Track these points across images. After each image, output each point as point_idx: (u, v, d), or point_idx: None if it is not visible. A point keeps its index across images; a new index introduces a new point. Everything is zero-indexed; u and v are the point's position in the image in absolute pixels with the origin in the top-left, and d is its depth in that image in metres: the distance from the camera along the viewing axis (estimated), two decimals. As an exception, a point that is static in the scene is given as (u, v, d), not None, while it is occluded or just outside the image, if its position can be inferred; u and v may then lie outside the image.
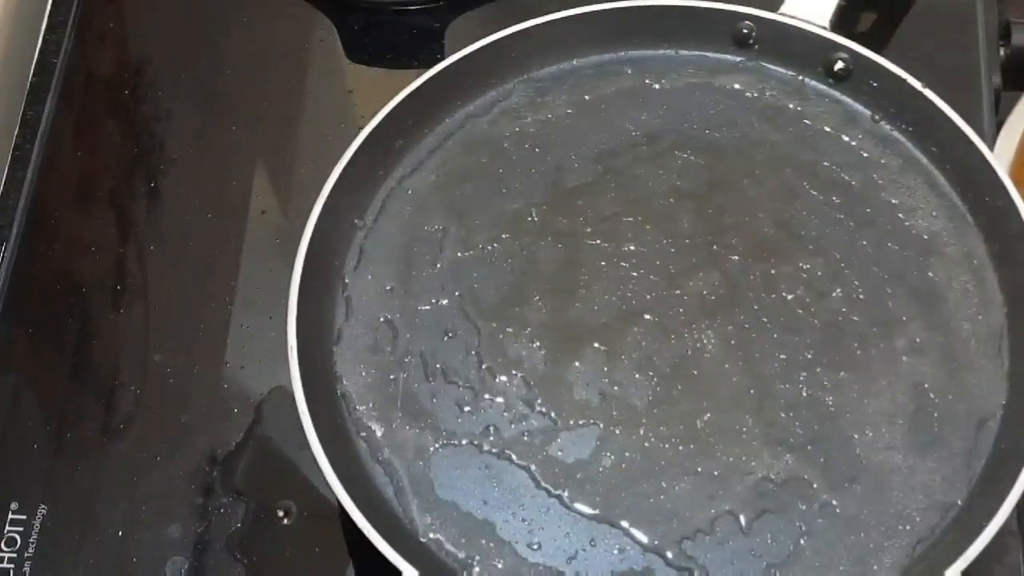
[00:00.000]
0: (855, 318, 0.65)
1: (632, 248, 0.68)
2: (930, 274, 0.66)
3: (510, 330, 0.66)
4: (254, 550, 0.63)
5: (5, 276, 0.72)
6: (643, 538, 0.60)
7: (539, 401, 0.64)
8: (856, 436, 0.62)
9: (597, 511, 0.61)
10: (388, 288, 0.68)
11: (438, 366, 0.65)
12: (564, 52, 0.74)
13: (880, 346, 0.64)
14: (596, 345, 0.65)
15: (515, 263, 0.68)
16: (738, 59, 0.74)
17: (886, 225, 0.68)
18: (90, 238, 0.74)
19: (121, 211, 0.75)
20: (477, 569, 0.60)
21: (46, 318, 0.71)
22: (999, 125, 0.73)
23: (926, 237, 0.67)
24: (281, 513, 0.64)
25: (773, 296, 0.66)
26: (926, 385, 0.63)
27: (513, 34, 0.72)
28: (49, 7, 0.82)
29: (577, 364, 0.65)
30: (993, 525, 0.56)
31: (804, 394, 0.63)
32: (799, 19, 0.71)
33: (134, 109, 0.79)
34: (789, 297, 0.66)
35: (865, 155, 0.70)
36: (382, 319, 0.67)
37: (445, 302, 0.67)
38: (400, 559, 0.57)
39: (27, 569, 0.63)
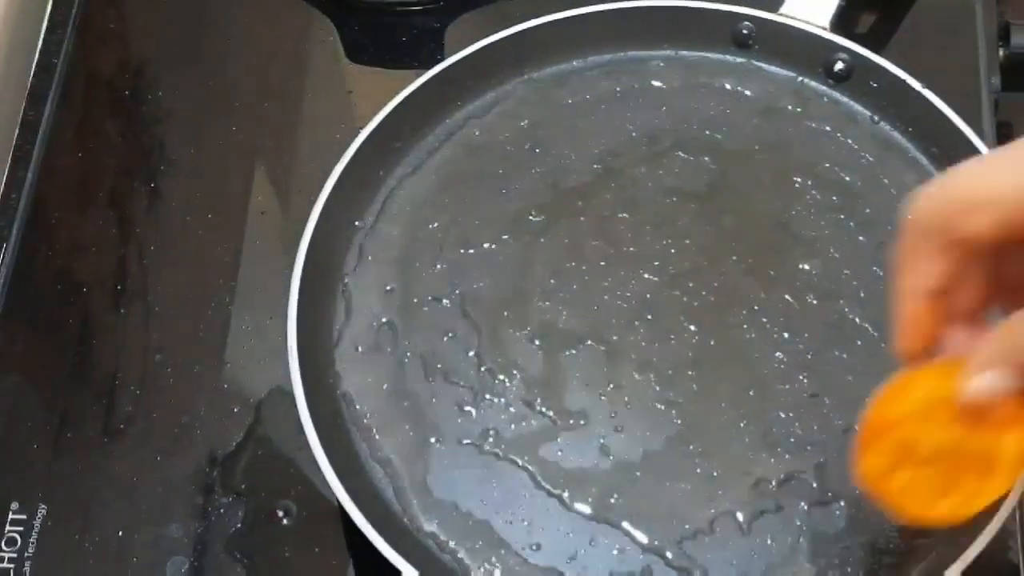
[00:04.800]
0: (855, 319, 0.65)
1: (632, 249, 0.68)
2: (930, 274, 0.66)
3: (510, 330, 0.66)
4: (254, 550, 0.63)
5: (5, 276, 0.72)
6: (643, 538, 0.60)
7: (539, 401, 0.64)
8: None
9: (597, 511, 0.61)
10: (388, 288, 0.68)
11: (438, 366, 0.65)
12: (564, 52, 0.74)
13: (881, 347, 0.64)
14: (596, 345, 0.65)
15: (515, 263, 0.68)
16: (738, 59, 0.74)
17: (886, 225, 0.68)
18: (90, 238, 0.74)
19: (121, 211, 0.75)
20: (476, 569, 0.60)
21: (46, 318, 0.71)
22: (998, 126, 0.73)
23: (926, 237, 0.67)
24: (281, 513, 0.64)
25: (773, 296, 0.66)
26: (926, 385, 0.63)
27: (513, 34, 0.72)
28: (50, 7, 0.82)
29: (577, 365, 0.65)
30: (993, 525, 0.56)
31: (804, 395, 0.63)
32: (799, 19, 0.71)
33: (134, 110, 0.79)
34: (789, 297, 0.66)
35: (865, 155, 0.70)
36: (382, 319, 0.67)
37: (445, 302, 0.67)
38: (400, 559, 0.57)
39: (27, 569, 0.63)
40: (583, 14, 0.73)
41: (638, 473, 0.62)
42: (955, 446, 0.51)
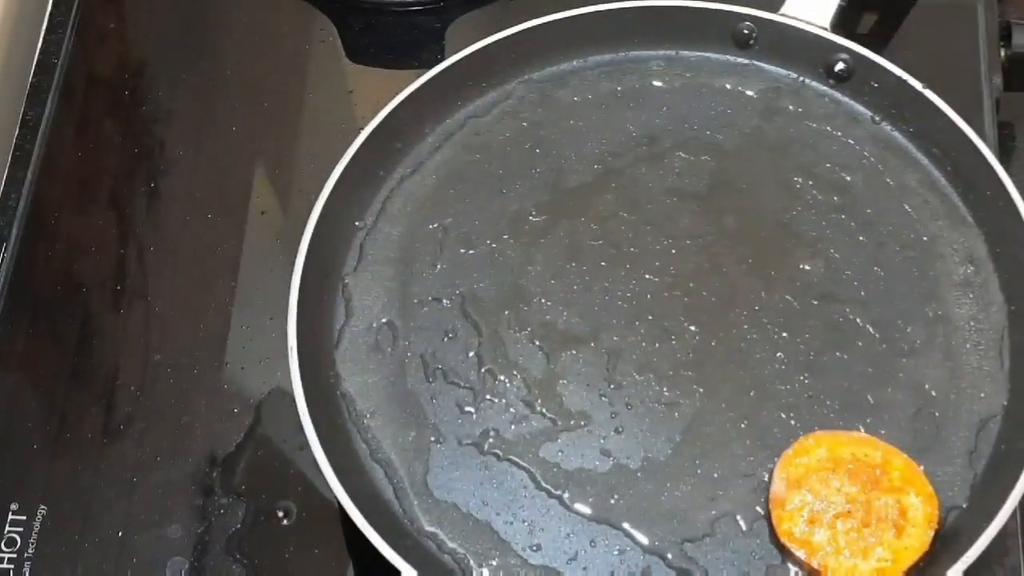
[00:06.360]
0: (856, 319, 0.65)
1: (632, 249, 0.68)
2: (931, 274, 0.66)
3: (510, 331, 0.66)
4: (254, 551, 0.63)
5: (5, 276, 0.72)
6: (644, 539, 0.60)
7: (539, 402, 0.64)
8: (856, 437, 0.62)
9: (597, 512, 0.61)
10: (388, 288, 0.68)
11: (438, 367, 0.65)
12: (564, 52, 0.74)
13: (881, 347, 0.64)
14: (596, 346, 0.65)
15: (515, 263, 0.68)
16: (738, 59, 0.74)
17: (886, 226, 0.68)
18: (90, 238, 0.74)
19: (121, 211, 0.75)
20: (476, 570, 0.60)
21: (46, 318, 0.71)
22: (1000, 126, 0.73)
23: (926, 238, 0.67)
24: (281, 513, 0.64)
25: (773, 297, 0.66)
26: (927, 386, 0.63)
27: (513, 34, 0.72)
28: (49, 8, 0.82)
29: (578, 365, 0.65)
30: (994, 526, 0.56)
31: (804, 395, 0.63)
32: (799, 20, 0.71)
33: (134, 109, 0.79)
34: (789, 298, 0.66)
35: (865, 155, 0.70)
36: (382, 320, 0.67)
37: (445, 302, 0.67)
38: (399, 559, 0.57)
39: (27, 570, 0.63)
40: (583, 14, 0.73)
41: (639, 474, 0.62)
42: (862, 503, 0.56)
